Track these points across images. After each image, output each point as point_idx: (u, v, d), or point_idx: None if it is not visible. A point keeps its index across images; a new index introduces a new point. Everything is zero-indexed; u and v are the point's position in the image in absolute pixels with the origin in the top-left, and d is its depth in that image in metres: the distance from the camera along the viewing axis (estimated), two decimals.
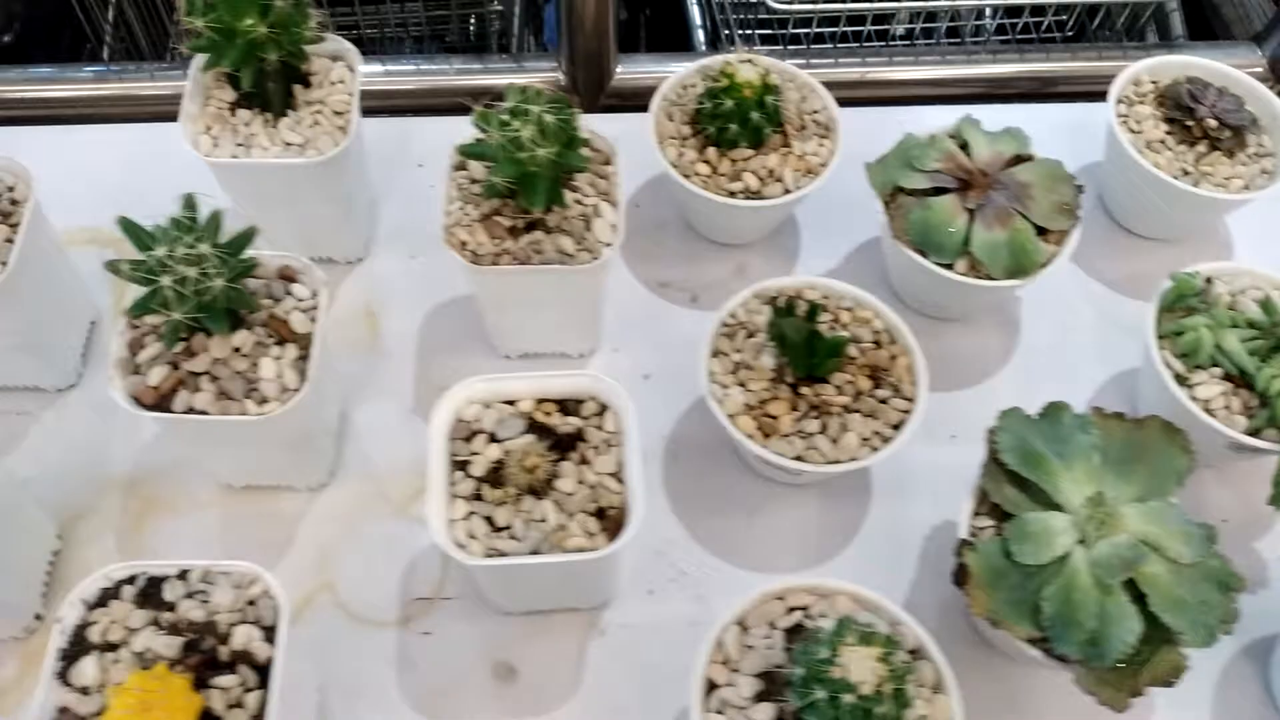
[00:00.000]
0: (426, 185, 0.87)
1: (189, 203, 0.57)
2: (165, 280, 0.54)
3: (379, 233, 0.84)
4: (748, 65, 0.74)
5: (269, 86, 0.70)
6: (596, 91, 1.20)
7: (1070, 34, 1.24)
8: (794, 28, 1.28)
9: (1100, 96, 0.83)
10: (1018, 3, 1.15)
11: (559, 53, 1.18)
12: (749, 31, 1.34)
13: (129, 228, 0.57)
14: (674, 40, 1.45)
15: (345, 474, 0.74)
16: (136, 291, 0.57)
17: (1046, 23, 1.23)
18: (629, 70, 1.20)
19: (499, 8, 1.33)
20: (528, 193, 0.62)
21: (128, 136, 0.90)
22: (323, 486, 0.73)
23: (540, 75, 1.14)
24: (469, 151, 0.63)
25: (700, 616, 0.69)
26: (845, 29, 1.17)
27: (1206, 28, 1.20)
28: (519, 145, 0.60)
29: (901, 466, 0.73)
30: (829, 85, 0.82)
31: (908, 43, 1.30)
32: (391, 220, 0.85)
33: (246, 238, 0.58)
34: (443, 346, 0.80)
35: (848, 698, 0.51)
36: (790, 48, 1.21)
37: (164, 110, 0.96)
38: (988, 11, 1.29)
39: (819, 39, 1.18)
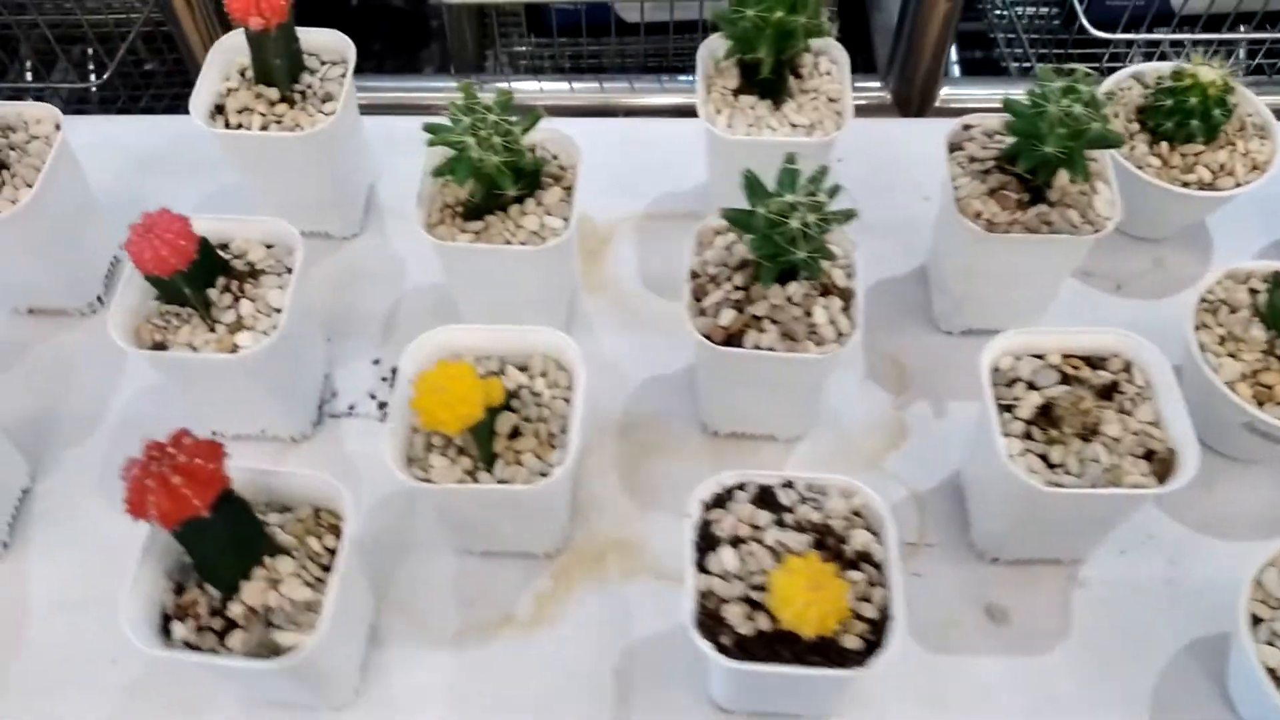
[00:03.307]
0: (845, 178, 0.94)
1: (790, 159, 0.65)
2: (794, 222, 0.62)
3: None
4: (1206, 68, 0.80)
5: (784, 74, 0.77)
6: (920, 110, 1.27)
7: None
8: (1109, 61, 1.35)
9: None
10: None
11: (888, 73, 1.26)
12: (1047, 64, 1.40)
13: (751, 181, 0.64)
14: None
15: (818, 429, 0.80)
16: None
17: None
18: (951, 92, 1.28)
19: None
20: (1077, 164, 0.68)
21: None
22: (798, 439, 0.79)
23: (864, 95, 1.22)
24: (1016, 129, 0.69)
25: (1175, 576, 0.73)
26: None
27: None
28: (1075, 119, 0.66)
29: None
30: None
31: None
32: None
33: (835, 191, 0.65)
34: (883, 319, 0.86)
35: None
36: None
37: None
38: None
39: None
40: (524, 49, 1.47)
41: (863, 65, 1.49)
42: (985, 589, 0.73)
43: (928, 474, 0.78)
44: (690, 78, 1.33)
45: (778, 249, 0.63)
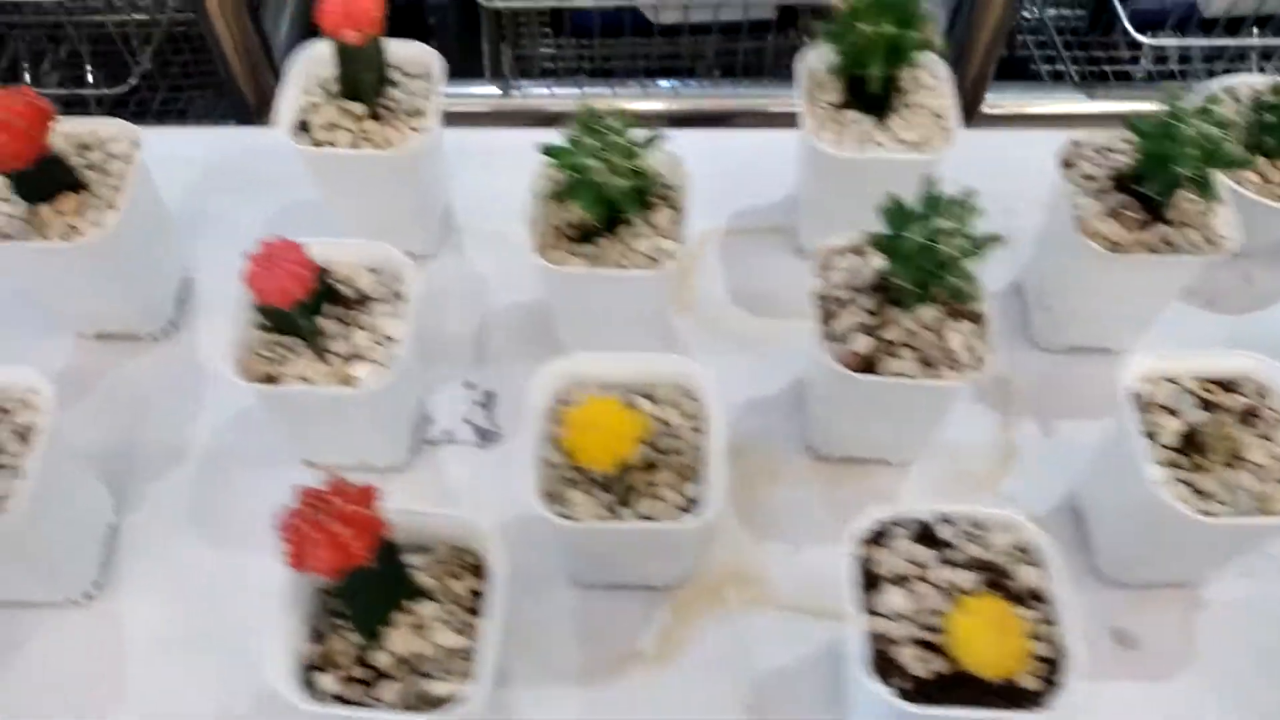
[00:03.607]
0: None
1: (930, 181, 0.63)
2: (945, 247, 0.60)
3: None
4: None
5: (889, 89, 0.76)
6: (965, 119, 1.27)
7: None
8: (1155, 63, 1.36)
9: None
10: None
11: None
12: (1080, 69, 1.41)
13: (894, 204, 0.63)
14: None
15: (928, 453, 0.79)
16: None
17: None
18: (994, 99, 1.29)
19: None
20: (1208, 186, 0.67)
21: None
22: (908, 463, 0.78)
23: None
24: (1146, 149, 0.68)
25: None
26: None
27: None
28: (1210, 140, 0.65)
29: None
30: None
31: None
32: None
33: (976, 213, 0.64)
34: None
35: None
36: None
37: None
38: None
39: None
40: (546, 50, 1.45)
41: None
42: (1111, 613, 0.72)
43: (1040, 497, 0.77)
44: (713, 82, 1.32)
45: (926, 274, 0.62)
